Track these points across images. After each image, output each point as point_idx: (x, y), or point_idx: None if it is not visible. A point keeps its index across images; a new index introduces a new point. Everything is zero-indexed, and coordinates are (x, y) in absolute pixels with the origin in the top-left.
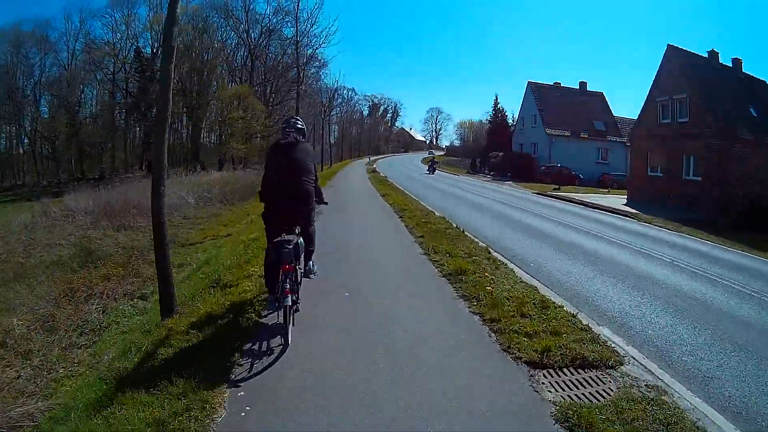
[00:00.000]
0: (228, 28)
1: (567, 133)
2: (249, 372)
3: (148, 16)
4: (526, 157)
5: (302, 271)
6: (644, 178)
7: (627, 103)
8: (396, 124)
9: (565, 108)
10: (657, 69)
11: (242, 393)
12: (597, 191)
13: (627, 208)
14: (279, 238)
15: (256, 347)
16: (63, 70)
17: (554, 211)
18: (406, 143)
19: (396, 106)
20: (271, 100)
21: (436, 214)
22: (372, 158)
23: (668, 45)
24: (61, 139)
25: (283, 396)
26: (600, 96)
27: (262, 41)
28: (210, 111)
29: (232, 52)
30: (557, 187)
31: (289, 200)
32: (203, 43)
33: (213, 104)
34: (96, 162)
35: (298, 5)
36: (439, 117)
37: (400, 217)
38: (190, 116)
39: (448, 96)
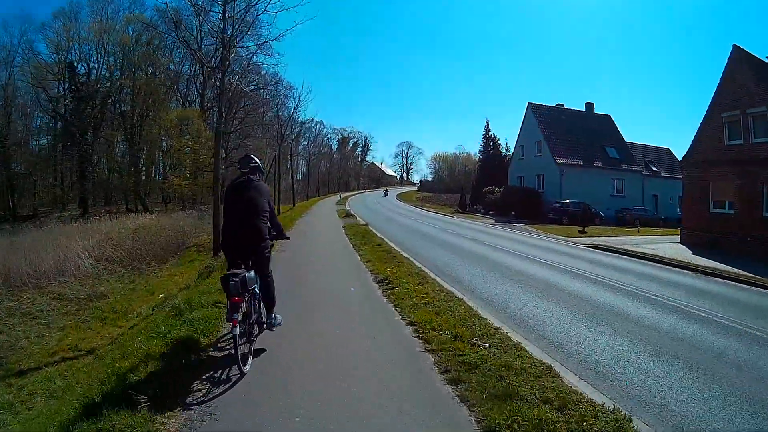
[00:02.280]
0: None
1: (579, 162)
2: (204, 397)
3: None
4: (532, 192)
5: (264, 323)
6: (704, 216)
7: (633, 126)
8: (366, 159)
9: (573, 133)
10: (719, 78)
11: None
12: (626, 231)
13: (723, 265)
14: (228, 272)
15: (216, 375)
16: None
17: (646, 281)
18: (377, 178)
19: (366, 139)
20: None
21: (457, 295)
22: (343, 195)
23: (734, 46)
24: None
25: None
26: (608, 119)
27: (216, 57)
28: (152, 138)
29: (181, 70)
30: (582, 229)
31: (242, 237)
32: (151, 58)
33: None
34: (29, 197)
35: None
36: (410, 151)
37: (395, 305)
38: (130, 144)
39: (419, 129)
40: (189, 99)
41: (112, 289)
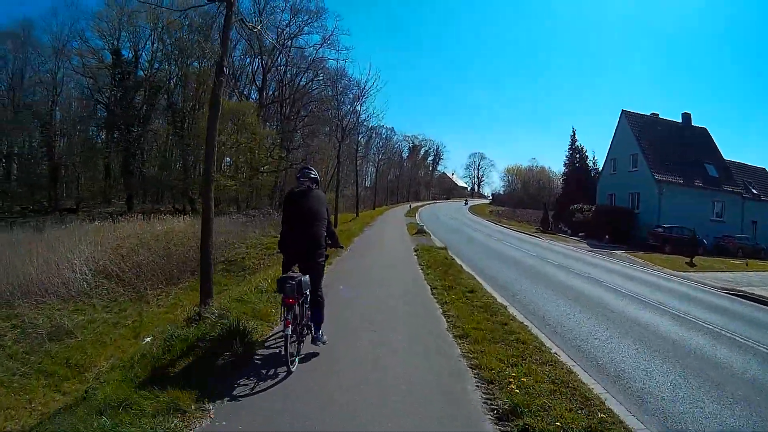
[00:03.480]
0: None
1: (679, 180)
2: (250, 391)
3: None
4: (627, 213)
5: (311, 336)
6: None
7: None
8: (438, 168)
9: (670, 147)
10: None
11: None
12: (735, 265)
13: None
14: (285, 275)
15: (264, 371)
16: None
17: None
18: (448, 189)
19: (438, 148)
20: (294, 125)
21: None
22: (413, 205)
23: None
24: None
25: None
26: (704, 132)
27: (278, 51)
28: (200, 132)
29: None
30: (690, 261)
31: (300, 242)
32: (203, 48)
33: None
34: (73, 189)
35: None
36: (482, 162)
37: None
38: (180, 138)
39: (491, 141)
40: (248, 96)
41: (91, 321)
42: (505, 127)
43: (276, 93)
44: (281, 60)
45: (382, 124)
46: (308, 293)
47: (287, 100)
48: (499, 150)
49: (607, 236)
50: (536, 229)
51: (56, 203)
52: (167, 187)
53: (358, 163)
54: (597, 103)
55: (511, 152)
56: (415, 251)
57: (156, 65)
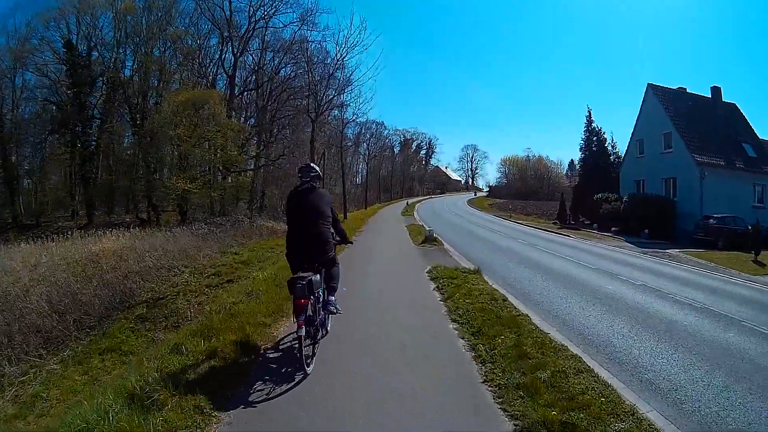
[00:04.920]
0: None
1: (721, 162)
2: (267, 396)
3: None
4: (666, 203)
5: (321, 303)
6: None
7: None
8: (431, 162)
9: (704, 124)
10: None
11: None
12: None
13: None
14: (295, 276)
15: (279, 374)
16: None
17: None
18: (442, 183)
19: (431, 141)
20: (272, 116)
21: None
22: (410, 201)
23: None
24: None
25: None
26: (735, 108)
27: (249, 34)
28: (154, 128)
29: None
30: (755, 258)
31: (307, 243)
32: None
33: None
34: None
35: None
36: (475, 155)
37: None
38: (139, 138)
39: (484, 133)
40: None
41: None
42: (498, 118)
43: (249, 79)
44: (254, 44)
45: (369, 116)
46: (320, 293)
47: (262, 89)
48: (493, 142)
49: (646, 230)
50: (552, 223)
51: (17, 219)
52: (128, 194)
53: (347, 159)
54: (605, 83)
55: (504, 143)
56: (433, 280)
57: (111, 56)
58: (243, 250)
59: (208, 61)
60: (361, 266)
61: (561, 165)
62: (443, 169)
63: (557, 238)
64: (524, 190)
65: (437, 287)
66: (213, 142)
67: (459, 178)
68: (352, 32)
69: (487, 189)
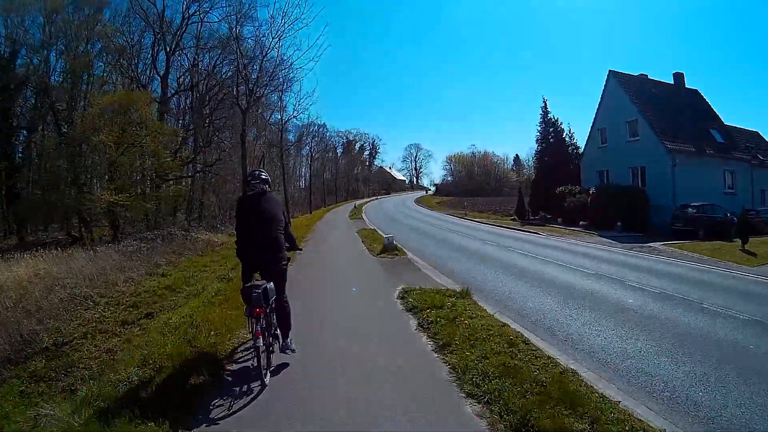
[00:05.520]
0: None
1: (691, 149)
2: (228, 410)
3: None
4: (637, 193)
5: (279, 345)
6: None
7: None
8: (375, 163)
9: (670, 112)
10: None
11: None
12: None
13: None
14: (249, 284)
15: (237, 388)
16: None
17: None
18: (387, 183)
19: (374, 141)
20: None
21: None
22: (357, 203)
23: None
24: None
25: None
26: (697, 94)
27: (182, 29)
28: (77, 135)
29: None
30: (742, 246)
31: (260, 248)
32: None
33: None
34: None
35: None
36: (418, 154)
37: None
38: (67, 147)
39: (427, 131)
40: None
41: None
42: (441, 116)
43: (183, 80)
44: (189, 41)
45: (311, 112)
46: (273, 302)
47: (197, 89)
48: (436, 140)
49: (619, 223)
50: (511, 219)
51: None
52: (55, 210)
53: (289, 163)
54: (553, 73)
55: (448, 141)
56: (410, 311)
57: (39, 59)
58: (172, 270)
59: (142, 65)
60: (307, 291)
61: (507, 160)
62: (387, 169)
63: (527, 237)
64: (471, 187)
65: (420, 325)
66: (144, 149)
67: (404, 178)
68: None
69: (434, 187)
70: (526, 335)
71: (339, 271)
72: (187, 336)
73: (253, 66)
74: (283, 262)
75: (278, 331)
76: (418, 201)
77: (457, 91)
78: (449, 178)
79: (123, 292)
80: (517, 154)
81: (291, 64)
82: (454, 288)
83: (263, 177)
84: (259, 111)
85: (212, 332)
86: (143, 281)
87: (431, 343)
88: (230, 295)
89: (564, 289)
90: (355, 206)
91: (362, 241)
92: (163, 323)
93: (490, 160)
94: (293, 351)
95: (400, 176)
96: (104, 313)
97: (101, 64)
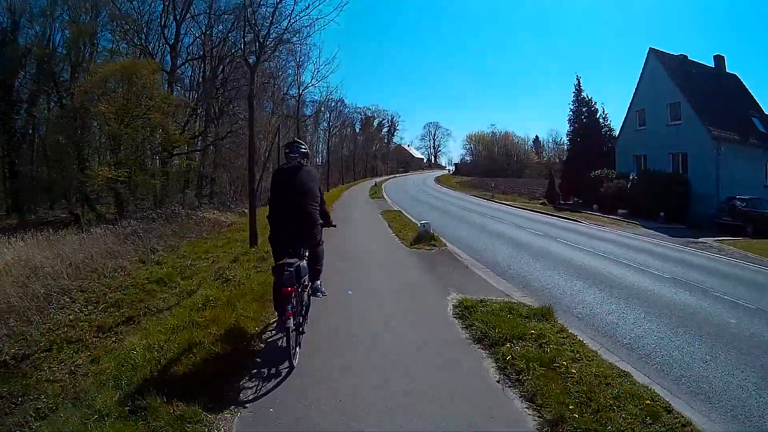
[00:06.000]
0: None
1: (735, 137)
2: (255, 393)
3: None
4: (681, 182)
5: (309, 290)
6: None
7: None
8: (393, 140)
9: (712, 96)
10: None
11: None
12: None
13: None
14: (281, 261)
15: (264, 369)
16: None
17: None
18: (406, 161)
19: (393, 118)
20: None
21: None
22: (377, 181)
23: None
24: None
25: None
26: (737, 80)
27: None
28: (75, 107)
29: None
30: None
31: (294, 224)
32: None
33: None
34: None
35: None
36: (437, 132)
37: None
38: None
39: (446, 110)
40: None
41: None
42: (460, 95)
43: (192, 49)
44: (199, 8)
45: (330, 81)
46: (306, 280)
47: (210, 56)
48: (455, 119)
49: (662, 213)
50: (540, 203)
51: None
52: (59, 187)
53: (306, 138)
54: (578, 53)
55: (467, 120)
56: (478, 341)
57: (41, 28)
58: (169, 257)
59: (153, 36)
60: (325, 303)
61: (528, 140)
62: (406, 147)
63: (569, 225)
64: (492, 167)
65: (503, 372)
66: (150, 121)
67: (422, 156)
68: None
69: (453, 167)
70: (665, 398)
71: (365, 268)
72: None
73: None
74: (319, 237)
75: (310, 280)
76: (438, 180)
77: (479, 71)
78: (468, 158)
79: (108, 285)
80: (537, 136)
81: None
82: (524, 300)
83: (302, 150)
84: (273, 77)
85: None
86: (134, 270)
87: (532, 415)
88: (219, 314)
89: (653, 302)
90: (375, 184)
91: (389, 226)
92: (125, 354)
93: (511, 140)
94: (324, 294)
95: (418, 154)
96: (79, 315)
97: (108, 34)
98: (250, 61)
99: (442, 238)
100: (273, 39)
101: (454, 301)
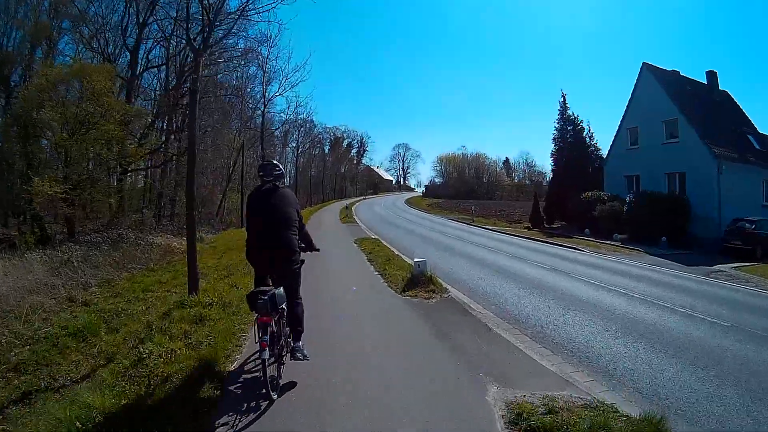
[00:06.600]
0: None
1: (734, 155)
2: (232, 429)
3: None
4: (681, 203)
5: (288, 349)
6: None
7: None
8: (362, 162)
9: (708, 113)
10: None
11: None
12: None
13: None
14: (256, 289)
15: (243, 403)
16: None
17: None
18: (374, 183)
19: (362, 139)
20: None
21: None
22: (347, 203)
23: None
24: None
25: None
26: (729, 97)
27: None
28: (18, 112)
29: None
30: None
31: (270, 250)
32: None
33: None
34: None
35: None
36: (407, 154)
37: None
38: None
39: (416, 131)
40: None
41: None
42: (430, 117)
43: (153, 57)
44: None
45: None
46: (285, 307)
47: (173, 62)
48: (424, 141)
49: (664, 238)
50: (525, 228)
51: None
52: (7, 203)
53: (274, 157)
54: (558, 72)
55: (436, 142)
56: None
57: None
58: (101, 295)
59: (115, 42)
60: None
61: (498, 163)
62: (375, 168)
63: (568, 254)
64: (463, 189)
65: None
66: (103, 132)
67: (391, 178)
68: None
69: (423, 188)
70: None
71: (345, 335)
72: None
73: None
74: (296, 265)
75: (290, 336)
76: (409, 202)
77: (449, 93)
78: (438, 180)
79: (18, 334)
80: (507, 158)
81: None
82: (604, 397)
83: (276, 172)
84: (239, 93)
85: None
86: (56, 313)
87: None
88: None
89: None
90: (347, 207)
91: (368, 260)
92: None
93: (483, 161)
94: (305, 356)
95: (387, 176)
96: None
97: (66, 37)
98: (196, 45)
99: (439, 279)
100: (227, 15)
101: (500, 404)
